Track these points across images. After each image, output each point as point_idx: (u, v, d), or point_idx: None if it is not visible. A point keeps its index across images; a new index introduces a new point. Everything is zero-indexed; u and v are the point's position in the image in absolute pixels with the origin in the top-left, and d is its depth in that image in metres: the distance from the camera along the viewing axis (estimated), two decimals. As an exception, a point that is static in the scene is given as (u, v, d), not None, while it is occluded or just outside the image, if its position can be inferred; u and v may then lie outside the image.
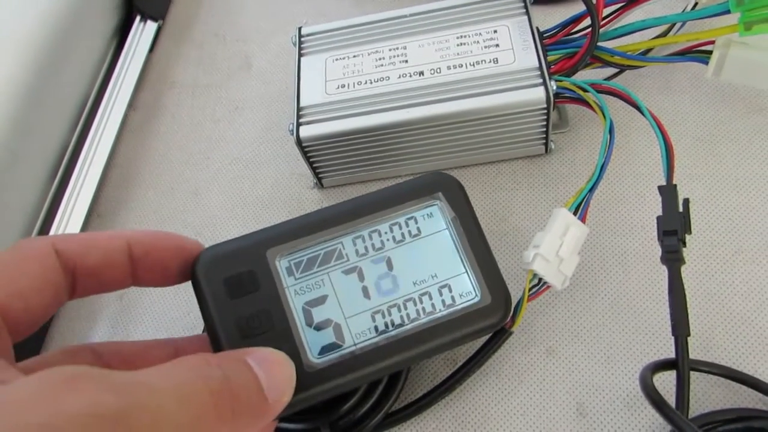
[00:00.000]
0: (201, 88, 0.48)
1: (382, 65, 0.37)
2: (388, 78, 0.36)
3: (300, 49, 0.39)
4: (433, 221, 0.28)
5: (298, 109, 0.36)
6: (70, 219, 0.42)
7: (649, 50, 0.38)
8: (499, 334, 0.30)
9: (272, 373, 0.22)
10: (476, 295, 0.27)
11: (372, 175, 0.39)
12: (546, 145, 0.37)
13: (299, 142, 0.35)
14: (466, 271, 0.27)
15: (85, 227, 0.43)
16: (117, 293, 0.38)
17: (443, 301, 0.27)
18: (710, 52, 0.34)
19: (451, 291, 0.27)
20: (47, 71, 0.44)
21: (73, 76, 0.47)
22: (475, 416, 0.31)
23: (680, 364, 0.27)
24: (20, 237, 0.41)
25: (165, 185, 0.44)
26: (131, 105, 0.48)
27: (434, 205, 0.28)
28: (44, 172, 0.44)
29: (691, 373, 0.27)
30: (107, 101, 0.47)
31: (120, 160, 0.46)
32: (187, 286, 0.25)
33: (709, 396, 0.29)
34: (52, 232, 0.41)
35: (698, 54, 0.35)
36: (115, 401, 0.16)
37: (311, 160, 0.37)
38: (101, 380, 0.17)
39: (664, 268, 0.28)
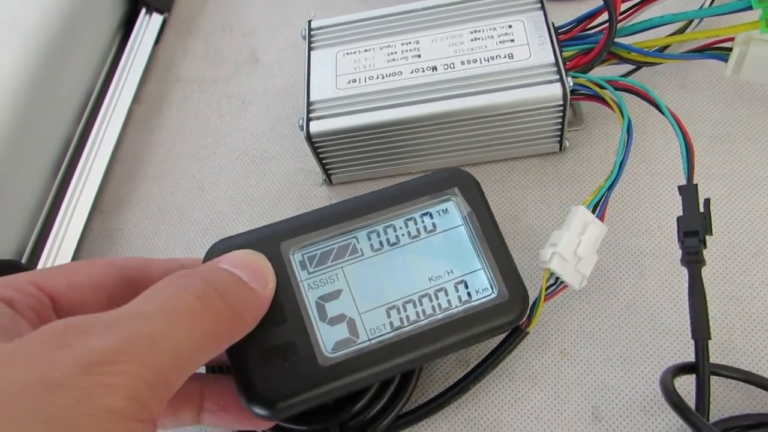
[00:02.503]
0: (207, 81, 0.48)
1: (394, 60, 0.36)
2: (401, 73, 0.35)
3: (310, 42, 0.38)
4: (449, 217, 0.28)
5: (308, 104, 0.35)
6: (73, 214, 0.41)
7: (666, 47, 0.37)
8: (514, 335, 0.29)
9: (249, 269, 0.23)
10: (493, 291, 0.26)
11: (383, 171, 0.38)
12: (560, 142, 0.36)
13: (309, 137, 0.35)
14: (483, 267, 0.27)
15: (88, 223, 0.42)
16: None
17: (459, 297, 0.26)
18: (729, 50, 0.33)
19: (467, 287, 0.26)
20: (51, 63, 0.43)
21: (77, 69, 0.46)
22: (487, 419, 0.30)
23: (700, 368, 0.26)
24: (23, 233, 0.40)
25: (170, 180, 0.43)
26: (136, 99, 0.47)
27: (450, 200, 0.28)
28: (47, 166, 0.43)
29: (711, 377, 0.27)
30: (112, 94, 0.46)
31: (124, 154, 0.45)
32: (194, 250, 0.25)
33: (728, 400, 0.28)
34: (54, 228, 0.40)
35: (717, 51, 0.34)
36: (107, 341, 0.17)
37: (321, 156, 0.36)
38: (90, 326, 0.17)
39: (682, 269, 0.28)
